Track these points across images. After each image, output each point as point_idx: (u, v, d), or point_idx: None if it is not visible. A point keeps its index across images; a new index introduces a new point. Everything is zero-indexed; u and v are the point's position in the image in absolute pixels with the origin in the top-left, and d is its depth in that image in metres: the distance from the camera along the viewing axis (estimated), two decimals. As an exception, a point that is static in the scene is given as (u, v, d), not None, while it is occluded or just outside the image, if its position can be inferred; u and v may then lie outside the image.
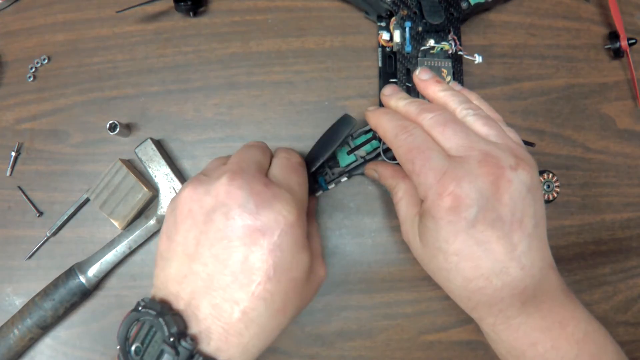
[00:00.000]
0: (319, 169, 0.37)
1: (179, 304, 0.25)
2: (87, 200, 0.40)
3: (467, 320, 0.31)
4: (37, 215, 0.41)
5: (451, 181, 0.26)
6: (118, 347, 0.25)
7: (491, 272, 0.27)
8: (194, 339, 0.24)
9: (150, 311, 0.24)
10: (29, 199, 0.41)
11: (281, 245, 0.25)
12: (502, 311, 0.28)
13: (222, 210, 0.25)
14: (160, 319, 0.23)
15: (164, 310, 0.24)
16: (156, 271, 0.27)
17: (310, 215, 0.34)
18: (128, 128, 0.41)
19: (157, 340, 0.23)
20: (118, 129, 0.39)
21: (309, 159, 0.35)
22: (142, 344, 0.24)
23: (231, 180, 0.26)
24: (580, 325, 0.29)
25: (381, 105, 0.35)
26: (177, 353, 0.23)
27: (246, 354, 0.25)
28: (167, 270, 0.26)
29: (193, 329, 0.24)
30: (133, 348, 0.24)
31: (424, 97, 0.33)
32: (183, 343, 0.23)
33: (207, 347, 0.24)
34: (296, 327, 0.40)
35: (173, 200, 0.28)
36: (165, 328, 0.23)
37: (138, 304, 0.25)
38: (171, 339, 0.23)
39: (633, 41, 0.42)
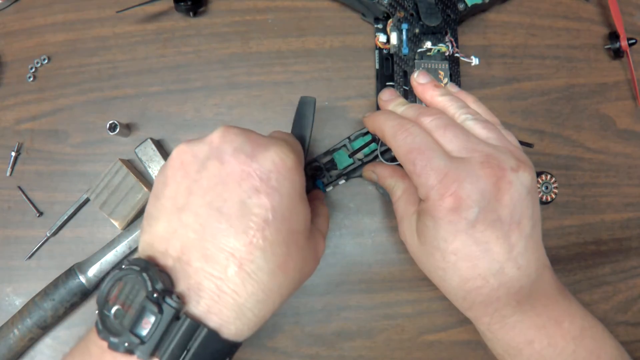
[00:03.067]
0: (314, 166, 0.38)
1: (167, 262, 0.22)
2: (87, 200, 0.40)
3: (467, 320, 0.31)
4: (37, 215, 0.41)
5: (453, 182, 0.26)
6: (96, 312, 0.22)
7: (488, 272, 0.27)
8: (180, 297, 0.21)
9: (134, 267, 0.21)
10: (29, 199, 0.41)
11: (280, 190, 0.23)
12: (497, 310, 0.28)
13: (217, 155, 0.24)
14: (144, 274, 0.21)
15: (149, 265, 0.21)
16: (141, 236, 0.25)
17: (320, 199, 0.35)
18: (128, 128, 0.41)
19: (140, 299, 0.21)
20: (118, 129, 0.39)
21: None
22: (123, 306, 0.21)
23: (227, 129, 0.25)
24: (576, 321, 0.29)
25: (378, 109, 0.35)
26: (161, 311, 0.20)
27: (241, 319, 0.22)
28: (154, 229, 0.24)
29: (181, 286, 0.22)
30: (113, 311, 0.21)
31: (421, 102, 0.33)
32: (168, 300, 0.20)
33: (196, 306, 0.22)
34: (296, 327, 0.40)
35: (167, 160, 0.26)
36: (149, 283, 0.20)
37: (121, 263, 0.23)
38: (154, 295, 0.20)
39: (633, 41, 0.42)
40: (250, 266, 0.22)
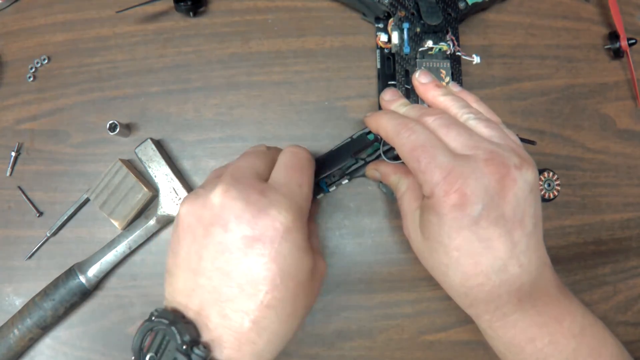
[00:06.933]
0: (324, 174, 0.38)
1: (189, 314, 0.26)
2: (87, 200, 0.40)
3: (467, 320, 0.31)
4: (37, 215, 0.41)
5: (457, 179, 0.26)
6: (132, 358, 0.25)
7: (490, 269, 0.27)
8: (206, 347, 0.24)
9: (163, 320, 0.24)
10: (29, 199, 0.41)
11: (283, 252, 0.25)
12: (498, 308, 0.28)
13: (220, 223, 0.25)
14: (173, 328, 0.24)
15: (176, 319, 0.25)
16: (165, 285, 0.28)
17: (310, 216, 0.34)
18: (128, 128, 0.41)
19: (171, 349, 0.24)
20: (118, 129, 0.39)
21: (320, 163, 0.35)
22: (156, 353, 0.24)
23: (225, 192, 0.26)
24: (576, 319, 0.29)
25: (380, 109, 0.35)
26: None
27: None
28: (175, 285, 0.27)
29: (205, 337, 0.25)
30: (147, 358, 0.24)
31: (423, 102, 0.33)
32: (196, 350, 0.23)
33: (220, 355, 0.25)
34: (296, 327, 0.40)
35: (176, 217, 0.28)
36: (177, 336, 0.24)
37: (151, 314, 0.26)
38: (184, 347, 0.23)
39: (633, 41, 0.42)
40: (264, 322, 0.25)
